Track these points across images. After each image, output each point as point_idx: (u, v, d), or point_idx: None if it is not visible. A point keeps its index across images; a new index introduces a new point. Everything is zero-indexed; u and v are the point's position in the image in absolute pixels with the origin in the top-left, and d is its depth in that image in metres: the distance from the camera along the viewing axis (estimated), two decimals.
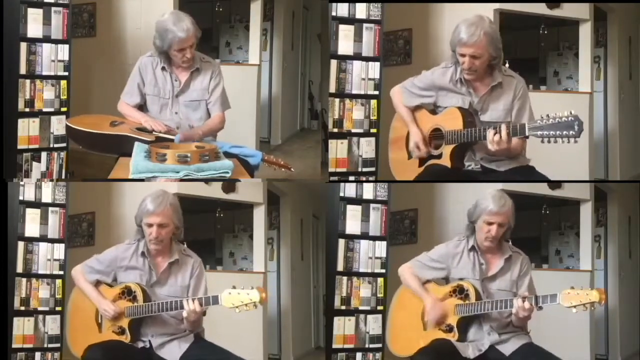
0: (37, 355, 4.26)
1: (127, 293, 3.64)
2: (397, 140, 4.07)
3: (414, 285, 3.73)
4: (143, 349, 3.63)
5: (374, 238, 4.30)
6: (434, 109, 3.91)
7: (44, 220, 4.30)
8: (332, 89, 4.42)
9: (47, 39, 4.38)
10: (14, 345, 4.20)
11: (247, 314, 4.87)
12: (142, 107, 4.11)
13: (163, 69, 4.02)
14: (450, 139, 3.78)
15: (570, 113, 3.47)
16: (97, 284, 3.70)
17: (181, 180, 3.61)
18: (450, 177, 3.84)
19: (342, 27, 4.41)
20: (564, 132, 3.47)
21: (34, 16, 4.35)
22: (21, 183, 4.27)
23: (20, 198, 4.26)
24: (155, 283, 3.66)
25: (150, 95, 4.06)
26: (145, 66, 4.06)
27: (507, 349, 3.56)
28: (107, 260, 3.71)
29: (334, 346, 4.25)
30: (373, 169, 4.46)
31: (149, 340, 3.63)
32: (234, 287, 3.50)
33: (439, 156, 3.83)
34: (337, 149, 4.43)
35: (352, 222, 4.29)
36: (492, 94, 3.77)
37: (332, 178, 4.40)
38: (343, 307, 4.27)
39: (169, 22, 3.88)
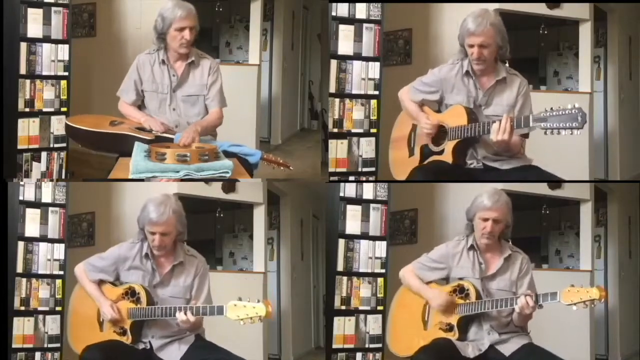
0: (37, 355, 4.27)
1: (131, 294, 3.63)
2: (399, 139, 4.08)
3: (415, 284, 3.73)
4: (143, 350, 3.62)
5: (374, 238, 4.30)
6: (438, 109, 3.92)
7: (44, 220, 4.30)
8: (332, 89, 4.42)
9: (47, 39, 4.38)
10: (14, 345, 4.20)
11: None
12: (140, 106, 4.11)
13: (162, 62, 4.02)
14: (453, 135, 3.79)
15: (574, 105, 3.50)
16: (100, 282, 3.69)
17: (181, 180, 3.61)
18: (452, 174, 3.85)
19: (342, 27, 4.42)
20: (567, 124, 3.50)
21: (34, 16, 4.35)
22: (21, 183, 4.27)
23: (20, 198, 4.26)
24: (158, 284, 3.65)
25: (149, 91, 4.07)
26: (142, 63, 4.07)
27: (508, 349, 3.56)
28: (110, 259, 3.69)
29: (334, 346, 4.25)
30: (373, 169, 4.46)
31: (149, 342, 3.63)
32: (240, 299, 3.46)
33: (441, 152, 3.85)
34: (337, 149, 4.43)
35: (352, 222, 4.29)
36: (496, 87, 3.81)
37: (332, 178, 4.41)
38: (343, 307, 4.27)
39: (171, 4, 3.96)
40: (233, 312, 3.45)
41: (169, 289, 3.65)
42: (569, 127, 3.50)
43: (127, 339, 3.61)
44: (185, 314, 3.50)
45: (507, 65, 3.86)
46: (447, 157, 3.82)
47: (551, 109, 3.55)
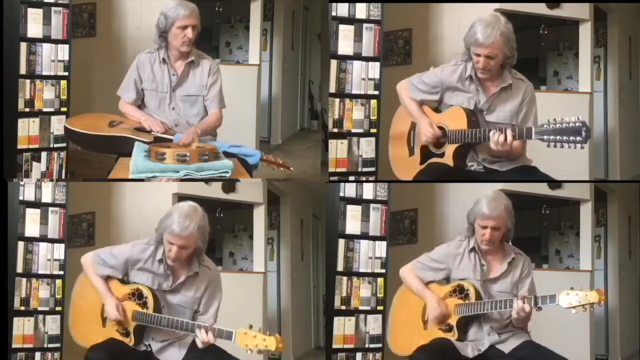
0: (37, 355, 4.26)
1: (138, 296, 3.57)
2: (399, 136, 4.06)
3: (415, 286, 3.72)
4: (144, 352, 3.61)
5: (374, 238, 4.30)
6: (437, 107, 3.91)
7: (44, 220, 4.30)
8: (332, 89, 4.42)
9: (47, 39, 4.38)
10: (14, 345, 4.19)
11: (246, 313, 4.88)
12: (139, 105, 4.11)
13: (163, 61, 4.03)
14: (453, 139, 3.77)
15: (578, 119, 3.46)
16: (108, 278, 3.64)
17: (181, 180, 3.61)
18: (452, 176, 3.84)
19: (342, 27, 4.41)
20: (571, 138, 3.45)
21: (34, 16, 4.35)
22: (21, 183, 4.27)
23: (20, 198, 4.26)
24: (169, 290, 3.59)
25: (148, 90, 4.07)
26: (143, 62, 4.07)
27: (507, 347, 3.56)
28: (122, 257, 3.62)
29: (334, 346, 4.25)
30: (373, 169, 4.46)
31: (150, 344, 3.61)
32: (251, 327, 3.36)
33: (441, 155, 3.83)
34: (337, 149, 4.43)
35: (352, 222, 4.29)
36: (500, 95, 3.76)
37: (332, 178, 4.40)
38: (343, 307, 4.27)
39: (175, 3, 3.97)
40: (242, 340, 3.35)
41: (179, 297, 3.60)
42: (572, 142, 3.44)
43: (129, 341, 3.57)
44: (208, 333, 3.43)
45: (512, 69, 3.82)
46: (448, 159, 3.79)
47: (554, 120, 3.50)
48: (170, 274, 3.60)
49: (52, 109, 4.41)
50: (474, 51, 3.68)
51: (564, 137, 3.46)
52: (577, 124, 3.44)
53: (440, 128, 3.84)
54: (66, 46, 4.42)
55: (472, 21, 3.70)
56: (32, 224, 4.28)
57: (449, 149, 3.80)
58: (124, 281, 3.65)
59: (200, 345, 3.48)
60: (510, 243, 3.68)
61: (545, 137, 3.50)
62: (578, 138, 3.44)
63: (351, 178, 4.42)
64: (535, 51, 5.48)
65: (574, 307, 3.35)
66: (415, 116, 3.93)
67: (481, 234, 3.59)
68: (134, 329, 3.58)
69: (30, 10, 4.34)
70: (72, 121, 4.10)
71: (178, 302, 3.60)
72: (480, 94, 3.77)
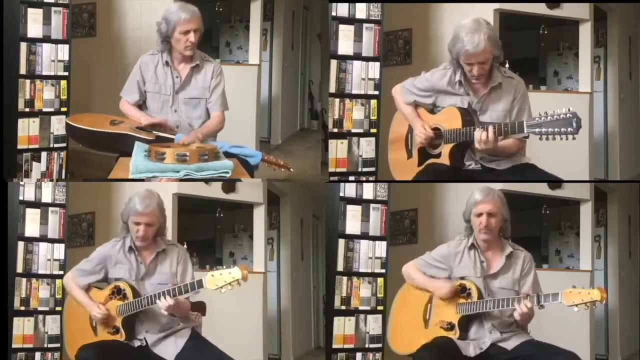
0: (37, 355, 4.27)
1: (117, 292, 3.64)
2: (397, 140, 4.07)
3: (419, 279, 3.72)
4: (140, 348, 3.62)
5: (374, 238, 4.30)
6: (432, 109, 3.91)
7: (44, 220, 4.30)
8: (332, 89, 4.42)
9: (47, 39, 4.38)
10: (14, 345, 4.20)
11: (247, 315, 4.89)
12: (141, 106, 4.11)
13: (166, 63, 4.02)
14: (448, 138, 3.78)
15: (569, 110, 3.48)
16: (89, 288, 3.71)
17: (181, 180, 3.61)
18: (450, 176, 3.84)
19: (342, 27, 4.42)
20: (562, 129, 3.48)
21: (34, 16, 4.35)
22: (21, 183, 4.27)
23: (20, 198, 4.26)
24: (144, 275, 3.67)
25: (151, 92, 4.06)
26: (146, 64, 4.07)
27: (509, 345, 3.56)
28: (95, 259, 3.72)
29: (334, 346, 4.25)
30: (373, 169, 4.46)
31: (145, 338, 3.63)
32: (216, 269, 3.49)
33: (438, 155, 3.84)
34: (337, 149, 4.43)
35: (352, 222, 4.29)
36: (491, 94, 3.76)
37: (332, 178, 4.41)
38: (343, 307, 4.28)
39: (176, 7, 3.98)
40: (212, 282, 3.44)
41: (156, 277, 3.68)
42: (564, 133, 3.48)
43: (120, 337, 3.61)
44: (166, 298, 3.51)
45: (506, 66, 3.81)
46: (445, 159, 3.80)
47: (545, 113, 3.52)
48: (142, 260, 3.68)
49: (52, 109, 4.41)
50: (466, 61, 3.67)
51: (556, 129, 3.48)
52: (568, 115, 3.47)
53: (437, 129, 3.85)
54: (66, 46, 4.42)
55: (456, 30, 3.67)
56: (32, 224, 4.29)
57: (445, 149, 3.81)
58: (102, 288, 3.70)
59: (164, 311, 3.53)
60: (510, 240, 3.68)
61: (537, 129, 3.52)
62: (569, 129, 3.47)
63: (351, 178, 4.42)
64: (535, 51, 5.49)
65: (576, 305, 3.35)
66: (410, 119, 3.95)
67: (478, 223, 3.60)
68: (122, 324, 3.62)
69: (30, 10, 4.34)
70: (74, 118, 4.10)
71: (157, 282, 3.66)
72: (472, 96, 3.78)
